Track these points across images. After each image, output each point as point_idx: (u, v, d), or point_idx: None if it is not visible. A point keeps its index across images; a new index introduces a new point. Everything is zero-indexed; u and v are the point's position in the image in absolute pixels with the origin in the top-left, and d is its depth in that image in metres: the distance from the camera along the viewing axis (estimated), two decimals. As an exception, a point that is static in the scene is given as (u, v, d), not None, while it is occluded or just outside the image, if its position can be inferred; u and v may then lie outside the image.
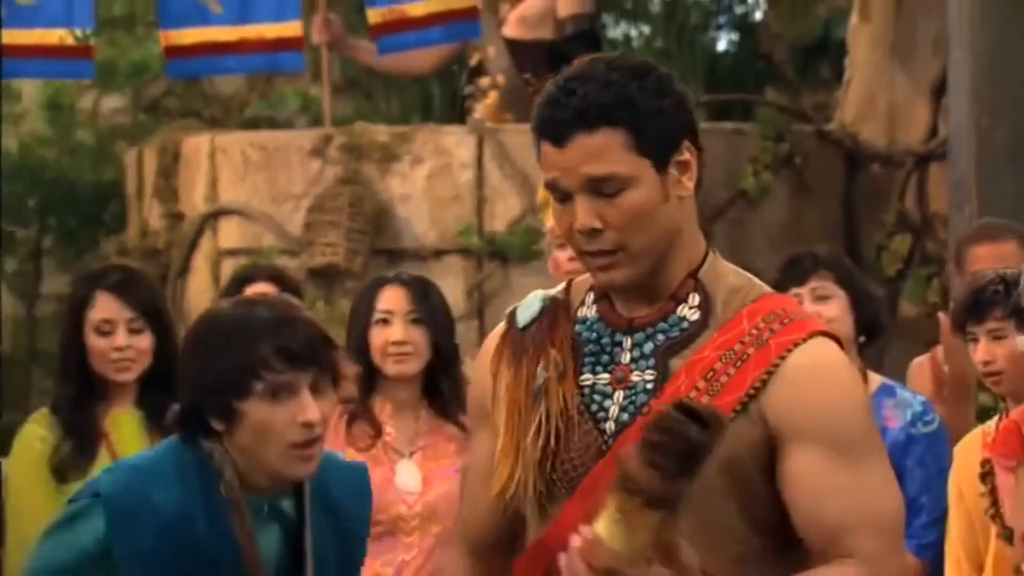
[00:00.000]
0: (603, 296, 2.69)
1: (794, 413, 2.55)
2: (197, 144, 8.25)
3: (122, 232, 9.33)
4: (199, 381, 3.04)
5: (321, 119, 8.14)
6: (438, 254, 7.57)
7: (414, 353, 4.61)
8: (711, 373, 2.58)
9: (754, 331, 2.60)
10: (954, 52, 6.94)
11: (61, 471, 4.23)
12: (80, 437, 4.25)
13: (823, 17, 10.28)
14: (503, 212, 7.52)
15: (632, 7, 11.49)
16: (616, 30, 11.64)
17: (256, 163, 7.92)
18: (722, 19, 11.57)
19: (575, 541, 2.37)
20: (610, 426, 2.62)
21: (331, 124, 7.91)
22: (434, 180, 7.59)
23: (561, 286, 2.77)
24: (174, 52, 7.34)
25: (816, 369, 2.58)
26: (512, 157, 7.49)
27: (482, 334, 7.36)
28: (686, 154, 2.63)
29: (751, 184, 7.82)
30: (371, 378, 4.63)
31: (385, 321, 4.59)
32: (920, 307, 7.96)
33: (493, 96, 7.70)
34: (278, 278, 5.20)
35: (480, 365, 2.79)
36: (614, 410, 2.63)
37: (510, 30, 7.69)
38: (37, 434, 4.34)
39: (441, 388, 4.66)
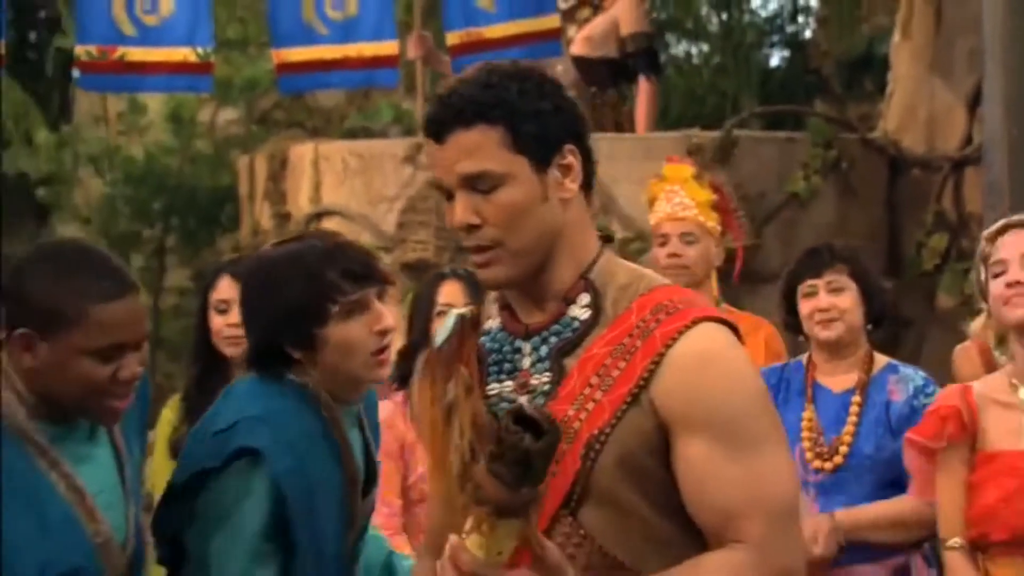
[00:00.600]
0: (505, 306, 2.55)
1: (681, 401, 2.38)
2: (302, 152, 8.33)
3: (236, 231, 9.48)
4: (274, 318, 3.06)
5: (413, 129, 8.10)
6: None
7: None
8: (603, 369, 2.42)
9: (641, 323, 2.44)
10: (988, 67, 6.92)
11: (177, 448, 4.22)
12: (199, 415, 4.37)
13: (867, 35, 10.24)
14: (576, 213, 7.51)
15: (692, 27, 11.46)
16: (678, 48, 11.61)
17: (355, 169, 7.98)
18: (775, 37, 11.53)
19: (447, 548, 2.26)
20: None
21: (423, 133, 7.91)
22: (515, 183, 7.60)
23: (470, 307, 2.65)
24: (285, 69, 7.43)
25: (701, 356, 2.40)
26: (584, 163, 7.49)
27: None
28: (569, 157, 2.47)
29: (802, 187, 7.82)
30: None
31: (445, 313, 4.60)
32: (956, 299, 7.93)
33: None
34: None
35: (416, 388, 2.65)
36: None
37: (577, 48, 7.70)
38: (167, 418, 4.47)
39: None
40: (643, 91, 7.68)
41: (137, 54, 7.04)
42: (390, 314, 3.09)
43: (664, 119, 9.98)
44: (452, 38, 7.42)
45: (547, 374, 2.47)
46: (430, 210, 7.53)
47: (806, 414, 4.38)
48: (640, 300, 2.47)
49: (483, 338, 2.56)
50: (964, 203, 8.27)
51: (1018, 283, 3.66)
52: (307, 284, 3.04)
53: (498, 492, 2.17)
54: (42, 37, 11.82)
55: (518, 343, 2.52)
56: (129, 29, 7.01)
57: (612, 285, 2.50)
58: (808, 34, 11.29)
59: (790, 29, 11.52)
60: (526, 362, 2.51)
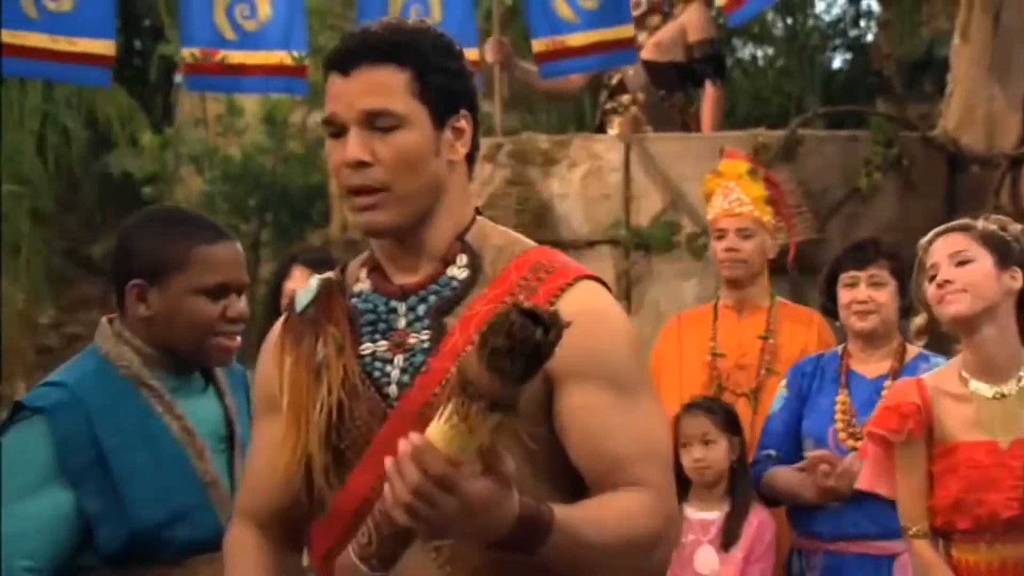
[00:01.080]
0: (375, 268, 2.45)
1: (570, 354, 2.21)
2: None
3: (326, 226, 9.50)
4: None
5: (492, 130, 8.11)
6: (591, 244, 7.47)
7: None
8: None
9: (523, 281, 2.36)
10: (1044, 69, 6.75)
11: None
12: None
13: (927, 38, 10.06)
14: (647, 208, 7.40)
15: (758, 31, 11.32)
16: (744, 51, 11.48)
17: None
18: (838, 41, 11.36)
19: (405, 447, 2.05)
20: (392, 390, 2.36)
21: (501, 134, 7.88)
22: (588, 181, 7.52)
23: (334, 271, 2.51)
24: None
25: (587, 311, 2.30)
26: (655, 161, 7.37)
27: (629, 313, 7.34)
28: (462, 122, 2.38)
29: (864, 184, 7.65)
30: None
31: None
32: (1013, 291, 7.72)
33: (633, 110, 7.63)
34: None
35: (264, 356, 2.51)
36: (395, 374, 2.37)
37: (647, 53, 7.62)
38: None
39: None
40: (709, 95, 7.59)
41: (237, 57, 7.00)
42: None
43: (730, 119, 9.85)
44: (538, 45, 7.33)
45: (426, 332, 2.37)
46: (509, 206, 7.45)
47: (840, 398, 4.38)
48: (517, 261, 2.39)
49: (354, 300, 2.44)
50: (1021, 199, 8.09)
51: (947, 282, 3.62)
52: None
53: (495, 386, 2.04)
54: (146, 45, 11.83)
55: (393, 303, 2.41)
56: (229, 33, 6.98)
57: (488, 247, 2.41)
58: (870, 37, 11.14)
59: (853, 33, 11.36)
60: (401, 322, 2.40)
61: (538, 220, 7.48)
